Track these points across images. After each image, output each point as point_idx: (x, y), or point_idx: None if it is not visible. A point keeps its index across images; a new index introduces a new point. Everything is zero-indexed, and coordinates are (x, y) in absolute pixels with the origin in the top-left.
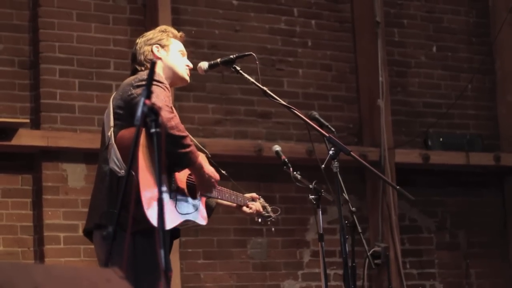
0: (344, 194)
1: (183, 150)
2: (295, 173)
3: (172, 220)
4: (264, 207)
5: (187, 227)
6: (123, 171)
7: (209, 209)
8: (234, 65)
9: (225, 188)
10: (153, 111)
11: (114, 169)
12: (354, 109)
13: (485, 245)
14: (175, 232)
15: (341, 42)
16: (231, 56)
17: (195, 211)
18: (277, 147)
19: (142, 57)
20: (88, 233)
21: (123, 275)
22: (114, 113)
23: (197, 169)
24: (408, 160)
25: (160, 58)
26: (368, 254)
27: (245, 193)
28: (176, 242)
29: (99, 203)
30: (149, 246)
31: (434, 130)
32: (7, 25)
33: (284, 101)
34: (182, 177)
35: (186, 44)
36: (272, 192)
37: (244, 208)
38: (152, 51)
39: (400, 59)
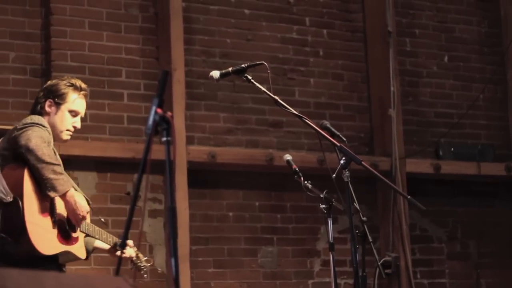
0: (355, 204)
1: (53, 176)
2: (306, 182)
3: (53, 247)
4: (137, 256)
5: (68, 261)
6: (9, 197)
7: (87, 251)
8: (245, 74)
9: (98, 228)
10: (165, 120)
11: (1, 197)
12: (366, 118)
13: (496, 255)
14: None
15: (353, 51)
16: (243, 65)
17: (75, 244)
18: (288, 156)
19: (38, 106)
20: None
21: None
22: (1, 155)
23: (65, 198)
24: (419, 170)
25: (48, 114)
26: (379, 263)
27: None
28: (186, 251)
29: None
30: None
31: (445, 140)
32: (20, 33)
33: (295, 111)
34: (62, 210)
35: (197, 52)
36: (283, 201)
37: (118, 252)
38: (45, 104)
39: (412, 69)
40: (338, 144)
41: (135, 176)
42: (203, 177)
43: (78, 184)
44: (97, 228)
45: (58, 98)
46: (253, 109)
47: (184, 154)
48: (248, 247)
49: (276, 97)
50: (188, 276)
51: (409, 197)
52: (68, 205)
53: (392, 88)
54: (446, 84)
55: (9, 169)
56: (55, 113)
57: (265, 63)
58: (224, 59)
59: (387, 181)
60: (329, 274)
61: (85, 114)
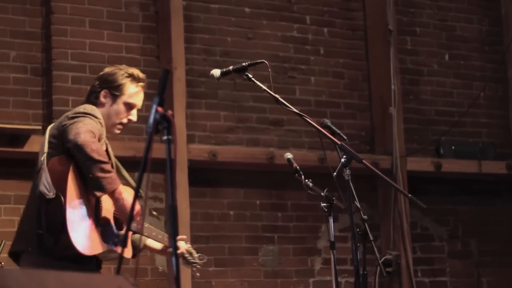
0: (355, 202)
1: (101, 175)
2: (307, 180)
3: (95, 247)
4: (190, 253)
5: (110, 259)
6: (51, 193)
7: (135, 249)
8: (246, 73)
9: (152, 227)
10: (166, 119)
11: (44, 192)
12: (366, 117)
13: (497, 253)
14: (99, 262)
15: (354, 50)
16: (244, 64)
17: (120, 243)
18: (289, 155)
19: (93, 96)
20: (14, 254)
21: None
22: (49, 142)
23: (113, 196)
24: (420, 168)
25: (103, 105)
26: (380, 262)
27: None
28: None
29: (26, 228)
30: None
31: (446, 138)
32: (20, 32)
33: (296, 109)
34: (110, 208)
35: (198, 51)
36: (284, 199)
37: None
38: (100, 94)
39: (413, 67)
40: (339, 143)
41: (136, 174)
42: (203, 175)
43: None
44: (147, 225)
45: (114, 89)
46: (253, 107)
47: (184, 152)
48: (249, 245)
49: (276, 96)
50: (189, 274)
51: (410, 195)
52: (116, 203)
53: (392, 87)
54: (447, 82)
55: (55, 163)
56: (110, 105)
57: (266, 62)
58: (224, 58)
59: (388, 179)
60: (330, 272)
61: None
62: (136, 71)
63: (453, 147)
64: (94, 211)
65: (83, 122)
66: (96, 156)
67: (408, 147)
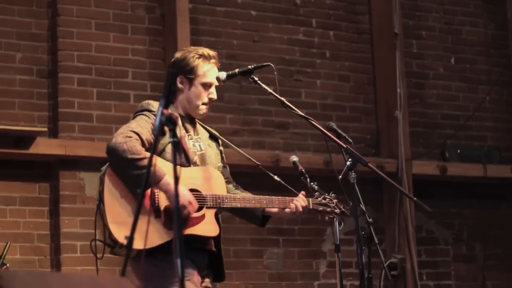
0: (361, 205)
1: (136, 172)
2: (312, 183)
3: (158, 238)
4: (317, 200)
5: (193, 241)
6: (97, 201)
7: (257, 218)
8: (252, 76)
9: (251, 196)
10: (171, 121)
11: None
12: (372, 120)
13: (502, 257)
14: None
15: (359, 53)
16: (249, 67)
17: (198, 224)
18: (294, 158)
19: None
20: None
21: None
22: None
23: (160, 189)
24: (426, 171)
25: (182, 91)
26: (385, 265)
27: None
28: None
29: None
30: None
31: (451, 142)
32: (26, 34)
33: (301, 112)
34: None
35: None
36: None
37: (286, 210)
38: (176, 81)
39: (418, 70)
40: (344, 146)
41: None
42: None
43: (84, 185)
44: (231, 195)
45: (188, 73)
46: (259, 110)
47: None
48: (254, 248)
49: (282, 99)
50: None
51: (415, 199)
52: (166, 195)
53: (398, 90)
54: (453, 86)
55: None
56: (189, 89)
57: (272, 65)
58: (230, 61)
59: (393, 182)
60: (335, 275)
61: (92, 114)
62: (205, 50)
63: (458, 151)
64: (150, 203)
65: (130, 123)
66: (128, 154)
67: (413, 150)
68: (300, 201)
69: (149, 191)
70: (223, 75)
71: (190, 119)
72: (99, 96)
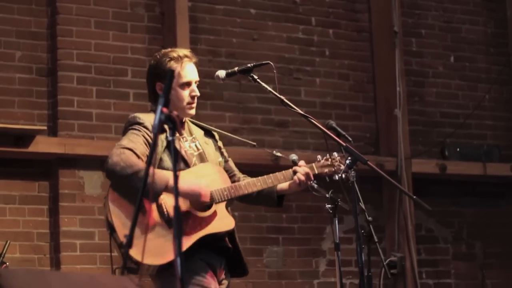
0: (360, 204)
1: (140, 185)
2: (311, 182)
3: (164, 254)
4: (321, 163)
5: (211, 239)
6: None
7: (272, 199)
8: (251, 74)
9: (255, 179)
10: (170, 119)
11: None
12: (371, 118)
13: (501, 255)
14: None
15: (359, 51)
16: (249, 65)
17: (212, 222)
18: (294, 156)
19: (152, 93)
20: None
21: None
22: None
23: (170, 193)
24: (425, 170)
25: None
26: (384, 263)
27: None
28: None
29: None
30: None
31: (451, 140)
32: (26, 32)
33: (301, 110)
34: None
35: (203, 52)
36: (289, 201)
37: (292, 184)
38: (156, 89)
39: (418, 69)
40: (344, 144)
41: None
42: None
43: (83, 183)
44: (235, 185)
45: (164, 78)
46: (259, 108)
47: None
48: (254, 246)
49: (282, 97)
50: None
51: (414, 197)
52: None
53: (398, 88)
54: (452, 84)
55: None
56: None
57: (271, 63)
58: (230, 59)
59: (393, 181)
60: (335, 274)
61: (91, 113)
62: (176, 51)
63: (458, 149)
64: (159, 215)
65: (118, 143)
66: (128, 170)
67: (413, 149)
68: (300, 170)
69: (154, 205)
70: (222, 73)
71: (180, 121)
72: (99, 94)
